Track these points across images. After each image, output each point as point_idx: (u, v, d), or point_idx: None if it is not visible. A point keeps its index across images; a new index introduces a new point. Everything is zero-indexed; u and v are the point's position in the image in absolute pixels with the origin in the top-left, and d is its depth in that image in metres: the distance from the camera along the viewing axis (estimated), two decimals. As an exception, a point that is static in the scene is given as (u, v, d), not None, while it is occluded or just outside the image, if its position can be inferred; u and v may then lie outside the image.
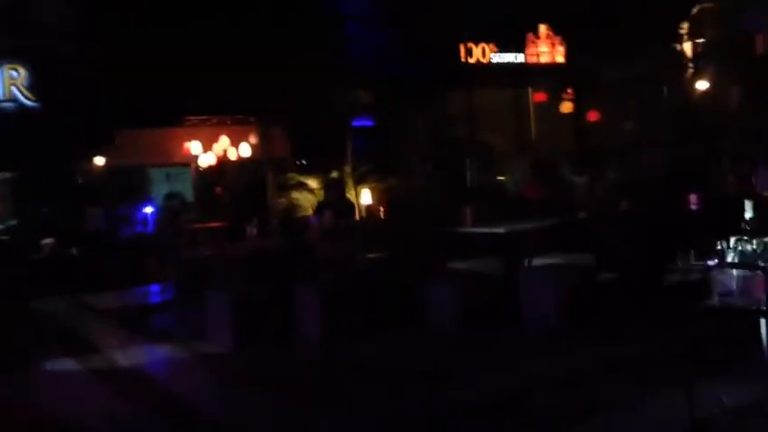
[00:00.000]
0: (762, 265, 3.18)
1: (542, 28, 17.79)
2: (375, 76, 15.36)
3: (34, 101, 13.39)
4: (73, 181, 14.56)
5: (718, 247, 3.41)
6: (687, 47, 17.37)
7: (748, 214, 3.46)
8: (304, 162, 15.99)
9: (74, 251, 12.60)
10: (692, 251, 3.63)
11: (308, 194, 14.01)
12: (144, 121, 14.28)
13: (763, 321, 3.36)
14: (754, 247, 3.28)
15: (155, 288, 11.31)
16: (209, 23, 13.60)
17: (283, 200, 13.93)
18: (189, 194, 16.09)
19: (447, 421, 4.61)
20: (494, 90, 18.15)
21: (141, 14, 13.75)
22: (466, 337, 6.61)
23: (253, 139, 15.35)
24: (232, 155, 15.46)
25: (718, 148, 13.38)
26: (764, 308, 3.15)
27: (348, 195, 14.04)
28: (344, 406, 5.04)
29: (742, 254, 3.30)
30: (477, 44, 16.97)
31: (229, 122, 15.92)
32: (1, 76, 13.19)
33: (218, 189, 15.61)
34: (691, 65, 17.21)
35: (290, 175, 14.55)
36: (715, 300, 3.37)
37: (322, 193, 13.88)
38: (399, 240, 10.29)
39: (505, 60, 17.45)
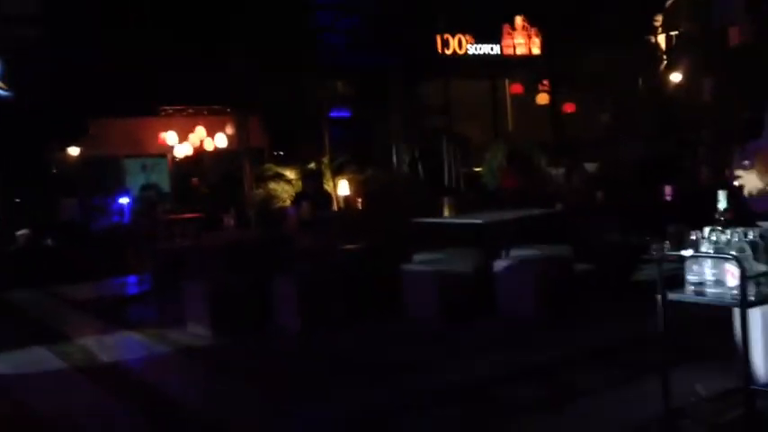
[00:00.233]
0: (734, 254, 3.24)
1: (518, 20, 17.86)
2: (351, 67, 15.34)
3: (7, 90, 13.19)
4: (47, 171, 14.38)
5: (693, 238, 3.47)
6: (661, 39, 17.56)
7: (722, 205, 3.51)
8: (281, 153, 15.95)
9: (49, 242, 12.45)
10: (667, 242, 3.68)
11: (286, 185, 13.97)
12: (118, 110, 14.14)
13: (735, 311, 3.42)
14: (728, 237, 3.34)
15: (131, 279, 11.22)
16: (182, 14, 13.48)
17: (260, 191, 13.88)
18: (165, 185, 15.97)
19: (421, 410, 4.64)
20: (470, 81, 18.22)
21: (116, 4, 13.58)
22: (443, 328, 6.65)
23: (229, 130, 15.27)
24: (208, 145, 15.37)
25: (693, 140, 13.57)
26: (737, 297, 3.21)
27: (326, 186, 14.03)
28: (321, 396, 5.06)
29: (716, 244, 3.36)
30: (453, 35, 17.01)
31: (205, 113, 15.81)
32: (-27, 65, 13.00)
33: (195, 180, 15.51)
34: (665, 57, 17.41)
35: (268, 165, 14.50)
36: (689, 289, 3.43)
37: (299, 183, 13.85)
38: (377, 231, 10.31)
39: (482, 52, 17.51)
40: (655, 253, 3.71)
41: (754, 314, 3.79)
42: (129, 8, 13.72)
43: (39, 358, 6.90)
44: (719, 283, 3.32)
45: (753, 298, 3.25)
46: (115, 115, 14.37)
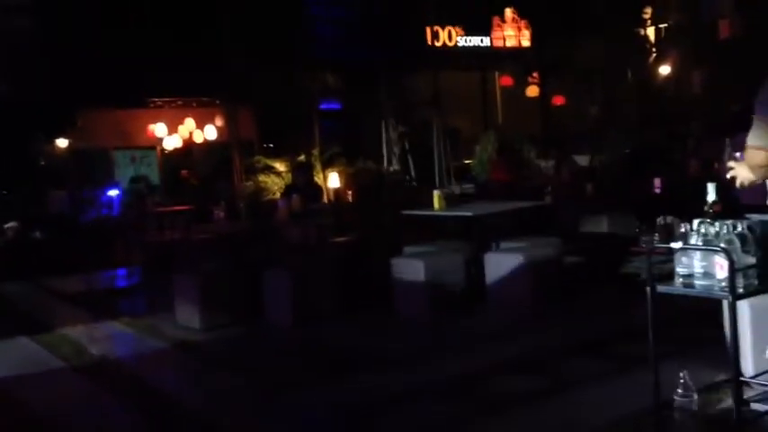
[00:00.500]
0: (723, 247, 3.26)
1: (508, 12, 17.87)
2: (341, 58, 15.31)
3: (-7, 82, 13.09)
4: (35, 163, 14.29)
5: (682, 230, 3.48)
6: (651, 31, 17.61)
7: (711, 197, 3.53)
8: (271, 145, 15.91)
9: (37, 235, 12.37)
10: (656, 234, 3.69)
11: (276, 178, 13.94)
12: (107, 102, 14.06)
13: (724, 303, 3.45)
14: (717, 229, 3.36)
15: (121, 272, 11.18)
16: (173, 5, 13.41)
17: (250, 183, 13.85)
18: (155, 177, 15.90)
19: (410, 403, 4.65)
20: (460, 73, 18.23)
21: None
22: (433, 321, 6.67)
23: (219, 122, 15.22)
24: (198, 137, 15.31)
25: (682, 133, 13.63)
26: (726, 289, 3.23)
27: (316, 179, 14.00)
28: (310, 390, 5.06)
29: (705, 236, 3.37)
30: (443, 27, 16.99)
31: (195, 104, 15.74)
32: (-43, 56, 12.87)
33: (185, 172, 15.45)
34: (654, 49, 17.46)
35: (257, 158, 14.46)
36: (678, 282, 3.45)
37: (289, 176, 13.82)
38: (367, 224, 10.31)
39: (472, 44, 17.51)
40: (644, 245, 3.72)
41: (743, 306, 3.82)
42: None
43: (27, 351, 6.88)
44: (708, 275, 3.34)
45: (741, 290, 3.28)
46: (104, 107, 14.28)
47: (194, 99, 15.61)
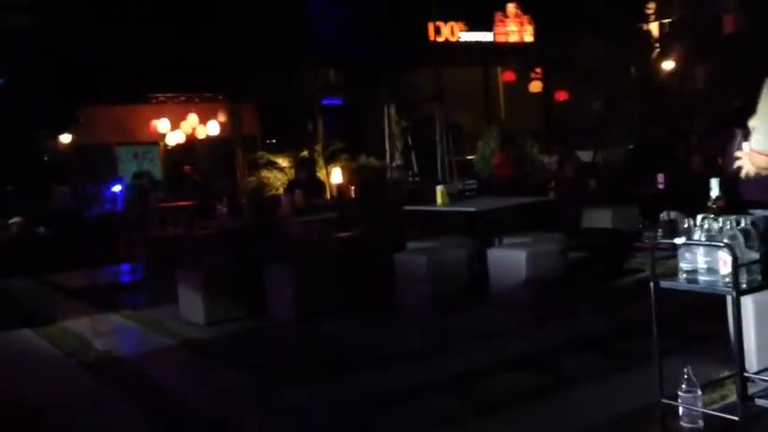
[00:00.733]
0: (727, 242, 3.26)
1: (510, 7, 17.83)
2: (343, 54, 15.29)
3: (-3, 78, 13.10)
4: (39, 159, 14.32)
5: (685, 226, 3.48)
6: (654, 27, 17.57)
7: (714, 192, 3.53)
8: (274, 141, 15.91)
9: (41, 230, 12.40)
10: (660, 230, 3.70)
11: (278, 173, 13.94)
12: (110, 98, 14.07)
13: (728, 298, 3.45)
14: (720, 224, 3.36)
15: (124, 267, 11.20)
16: (175, 1, 13.41)
17: (253, 178, 13.85)
18: (157, 173, 15.92)
19: (410, 399, 4.66)
20: (463, 69, 18.20)
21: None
22: (436, 316, 6.67)
23: (222, 118, 15.21)
24: (201, 133, 15.31)
25: (685, 128, 13.60)
26: (729, 285, 3.23)
27: (319, 174, 14.00)
28: (312, 385, 5.07)
29: (708, 232, 3.37)
30: (445, 23, 16.96)
31: (198, 100, 15.75)
32: (-39, 51, 12.88)
33: (187, 167, 15.46)
34: (657, 45, 17.42)
35: (260, 153, 14.45)
36: (682, 277, 3.45)
37: (292, 171, 13.82)
38: (370, 219, 10.32)
39: (474, 39, 17.48)
40: (647, 241, 3.72)
41: (746, 302, 3.83)
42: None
43: (31, 346, 6.90)
44: (712, 270, 3.34)
45: (745, 285, 3.28)
46: (106, 103, 14.30)
47: (197, 95, 15.62)
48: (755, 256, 3.33)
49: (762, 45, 11.70)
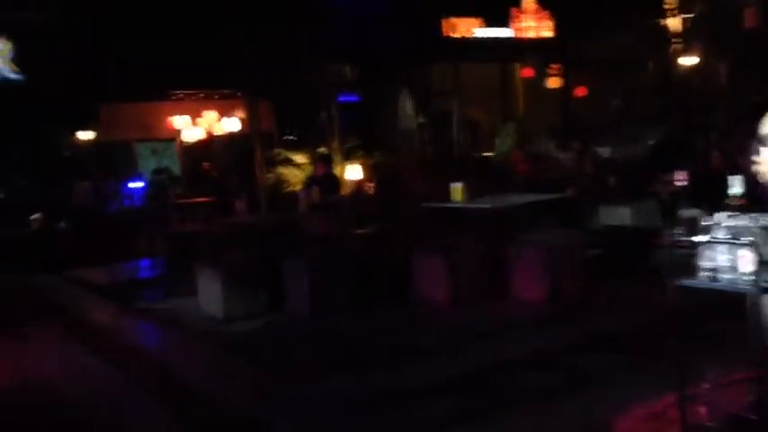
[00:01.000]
0: (749, 240, 3.23)
1: (529, 2, 17.72)
2: (360, 51, 15.29)
3: (19, 74, 13.22)
4: (60, 155, 14.46)
5: (705, 223, 3.46)
6: (673, 22, 17.38)
7: (735, 190, 3.50)
8: (291, 137, 15.95)
9: (62, 226, 12.54)
10: (680, 227, 3.67)
11: (296, 170, 13.98)
12: (129, 95, 14.17)
13: (749, 296, 3.42)
14: (741, 222, 3.34)
15: (144, 263, 11.30)
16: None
17: (271, 175, 13.90)
18: (176, 169, 16.03)
19: (425, 396, 4.66)
20: (480, 65, 18.12)
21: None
22: (453, 313, 6.68)
23: (239, 114, 15.27)
24: (219, 129, 15.38)
25: (705, 124, 13.47)
26: (751, 283, 3.21)
27: (335, 171, 14.02)
28: (328, 380, 5.09)
29: (729, 229, 3.35)
30: (462, 18, 16.89)
31: (216, 97, 15.82)
32: (-16, 48, 13.03)
33: (206, 164, 15.55)
34: (676, 40, 17.24)
35: (278, 150, 14.50)
36: (702, 275, 3.43)
37: (309, 168, 13.85)
38: (387, 215, 10.33)
39: (491, 35, 17.39)
40: (667, 238, 3.70)
41: (766, 300, 3.79)
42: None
43: (53, 340, 6.99)
44: (733, 269, 3.32)
45: (766, 284, 3.25)
46: (126, 99, 14.41)
47: (215, 92, 15.69)
48: (777, 253, 3.29)
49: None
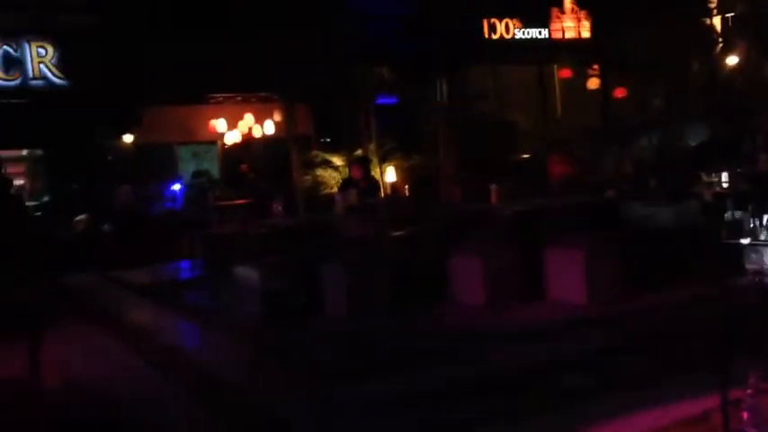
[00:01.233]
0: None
1: (567, 2, 17.55)
2: (397, 52, 15.29)
3: (63, 79, 13.53)
4: (102, 158, 14.76)
5: (751, 225, 3.39)
6: (716, 21, 17.04)
7: (781, 192, 3.42)
8: (328, 140, 16.03)
9: (106, 228, 12.81)
10: (724, 229, 3.60)
11: (333, 172, 14.05)
12: (170, 98, 14.40)
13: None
14: (788, 225, 3.26)
15: (184, 264, 11.47)
16: (231, 2, 13.62)
17: (308, 177, 13.99)
18: (215, 172, 16.24)
19: (463, 398, 4.63)
20: (518, 66, 18.00)
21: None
22: (490, 315, 6.63)
23: (277, 117, 15.40)
24: (257, 132, 15.53)
25: (750, 126, 13.17)
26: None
27: (373, 173, 14.05)
28: (365, 382, 5.09)
29: (775, 232, 3.28)
30: (500, 20, 16.80)
31: (254, 100, 15.98)
32: (29, 54, 13.34)
33: (244, 166, 15.72)
34: (720, 40, 16.90)
35: (315, 152, 14.59)
36: (748, 278, 3.36)
37: (346, 170, 13.90)
38: (424, 218, 10.30)
39: (530, 36, 17.27)
40: (711, 241, 3.63)
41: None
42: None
43: (95, 340, 7.13)
44: (779, 272, 3.24)
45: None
46: (168, 103, 14.64)
47: (253, 95, 15.86)
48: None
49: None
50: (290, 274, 7.33)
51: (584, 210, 7.88)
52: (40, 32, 13.43)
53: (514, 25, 17.00)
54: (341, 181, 13.47)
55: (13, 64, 13.18)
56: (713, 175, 9.10)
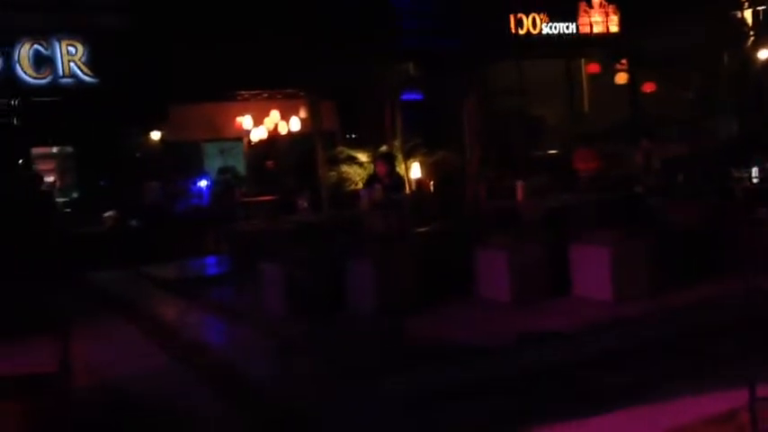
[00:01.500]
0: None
1: (596, -4, 17.36)
2: (423, 49, 15.24)
3: (92, 77, 13.71)
4: (131, 155, 14.94)
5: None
6: (747, 14, 16.74)
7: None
8: (353, 136, 16.05)
9: (134, 224, 12.98)
10: (758, 224, 3.54)
11: (358, 168, 14.06)
12: (197, 95, 14.52)
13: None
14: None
15: (211, 260, 11.57)
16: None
17: (333, 173, 14.02)
18: (241, 168, 16.35)
19: (492, 394, 4.61)
20: (545, 61, 17.85)
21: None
22: (517, 311, 6.59)
23: (302, 114, 15.45)
24: (283, 129, 15.60)
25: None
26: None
27: (398, 169, 14.03)
28: (390, 378, 5.09)
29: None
30: (527, 14, 16.67)
31: (279, 97, 16.04)
32: (59, 52, 13.54)
33: (270, 163, 15.80)
34: (751, 33, 16.59)
35: (340, 148, 14.61)
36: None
37: (371, 166, 13.90)
38: (449, 214, 10.28)
39: (557, 31, 17.11)
40: (745, 235, 3.57)
41: None
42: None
43: (123, 335, 7.22)
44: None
45: None
46: (194, 101, 14.77)
47: (279, 91, 15.92)
48: None
49: None
50: (316, 269, 7.35)
51: (612, 206, 7.80)
52: (70, 31, 13.61)
53: (542, 20, 16.86)
54: (366, 177, 13.48)
55: (44, 62, 13.38)
56: (743, 169, 8.94)
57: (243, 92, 15.67)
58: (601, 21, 17.43)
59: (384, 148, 14.25)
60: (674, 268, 6.91)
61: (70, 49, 13.62)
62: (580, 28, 17.28)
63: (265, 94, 15.97)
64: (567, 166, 13.11)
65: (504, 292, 6.86)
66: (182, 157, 15.45)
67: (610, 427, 3.98)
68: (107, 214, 13.00)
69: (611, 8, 17.38)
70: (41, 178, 12.56)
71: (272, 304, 7.46)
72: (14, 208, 9.81)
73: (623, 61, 17.09)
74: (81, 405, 5.07)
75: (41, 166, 14.76)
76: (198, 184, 14.68)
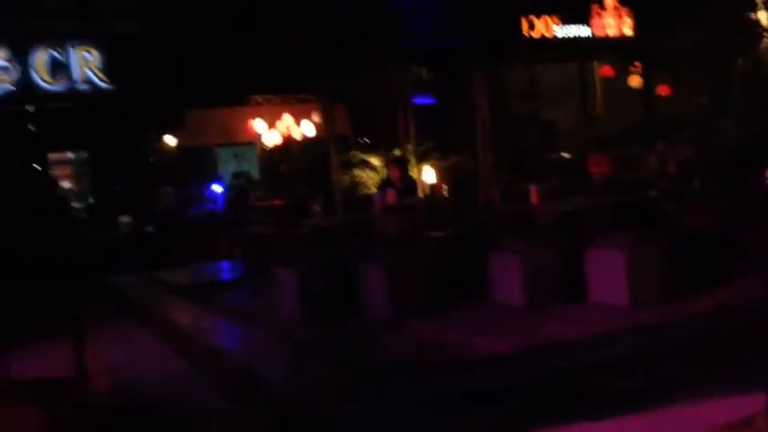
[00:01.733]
0: None
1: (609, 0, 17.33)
2: (436, 51, 15.26)
3: (108, 83, 13.83)
4: (145, 160, 15.06)
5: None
6: (761, 16, 16.63)
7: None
8: (366, 140, 16.08)
9: (149, 228, 13.06)
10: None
11: (371, 172, 14.07)
12: (211, 101, 14.61)
13: None
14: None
15: (224, 264, 11.62)
16: (270, 3, 13.76)
17: (346, 177, 14.04)
18: (255, 173, 16.43)
19: (506, 399, 4.60)
20: (558, 64, 17.82)
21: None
22: (530, 315, 6.56)
23: (315, 118, 15.51)
24: (295, 133, 15.66)
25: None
26: None
27: (411, 173, 14.02)
28: (404, 382, 5.09)
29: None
30: (539, 17, 16.65)
31: (292, 101, 16.12)
32: (75, 58, 13.68)
33: (283, 167, 15.86)
34: (765, 34, 16.48)
35: (353, 153, 14.64)
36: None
37: (384, 170, 13.90)
38: (462, 218, 10.26)
39: (570, 34, 17.08)
40: (757, 240, 3.55)
41: None
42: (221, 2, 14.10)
43: (137, 339, 7.26)
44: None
45: None
46: (208, 106, 14.86)
47: (292, 96, 15.99)
48: None
49: None
50: (329, 274, 7.36)
51: (626, 209, 7.75)
52: (86, 37, 13.75)
53: (554, 22, 16.83)
54: (379, 181, 13.48)
55: (60, 68, 13.52)
56: (759, 171, 8.86)
57: (256, 96, 15.75)
58: (614, 24, 17.39)
59: (397, 152, 14.26)
60: (689, 272, 6.85)
61: (85, 55, 13.75)
62: (593, 30, 17.24)
63: (278, 99, 16.04)
64: (581, 170, 13.06)
65: (517, 296, 6.84)
66: (196, 162, 15.55)
67: (624, 432, 3.96)
68: (123, 219, 13.10)
69: (624, 11, 17.34)
70: (57, 183, 12.69)
71: (285, 308, 7.48)
72: (33, 212, 9.89)
73: (636, 64, 17.03)
74: (97, 409, 5.10)
75: (57, 171, 14.91)
76: (212, 188, 14.76)
